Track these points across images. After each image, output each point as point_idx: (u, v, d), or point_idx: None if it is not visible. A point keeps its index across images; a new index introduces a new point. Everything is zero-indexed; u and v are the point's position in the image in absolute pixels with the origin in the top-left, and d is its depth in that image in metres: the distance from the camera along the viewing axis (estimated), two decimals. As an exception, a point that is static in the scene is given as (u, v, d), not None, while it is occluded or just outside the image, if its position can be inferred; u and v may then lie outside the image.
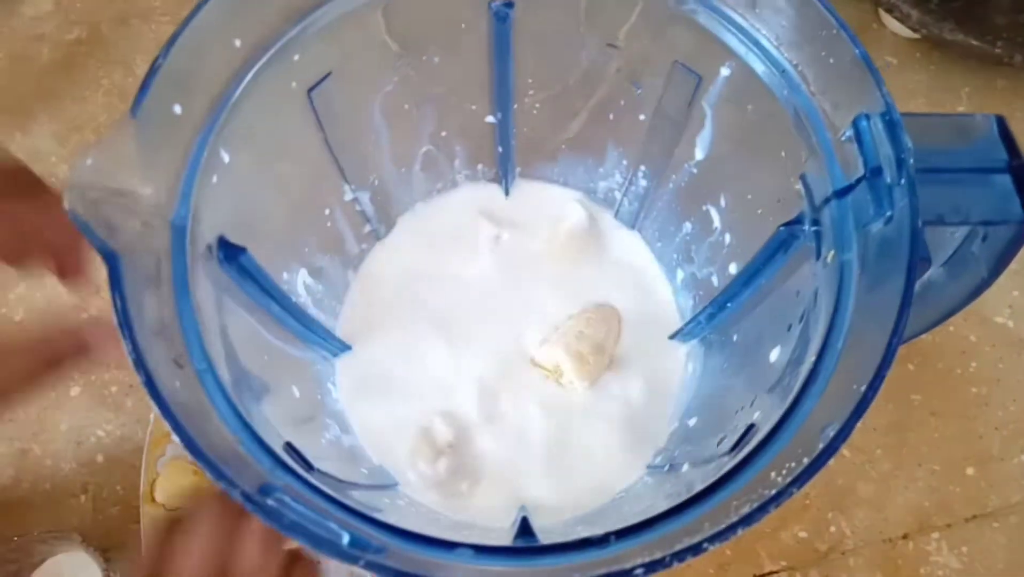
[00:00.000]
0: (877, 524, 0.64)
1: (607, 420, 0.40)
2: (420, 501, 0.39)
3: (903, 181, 0.25)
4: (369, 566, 0.22)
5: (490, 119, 0.40)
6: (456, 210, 0.45)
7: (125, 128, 0.27)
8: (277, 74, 0.31)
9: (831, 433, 0.23)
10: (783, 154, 0.31)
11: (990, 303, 0.61)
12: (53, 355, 0.30)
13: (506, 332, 0.42)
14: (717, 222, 0.38)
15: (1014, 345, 0.62)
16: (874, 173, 0.26)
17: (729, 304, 0.37)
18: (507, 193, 0.45)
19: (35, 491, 0.59)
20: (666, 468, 0.37)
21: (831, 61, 0.28)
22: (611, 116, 0.39)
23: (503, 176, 0.44)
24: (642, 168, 0.41)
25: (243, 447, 0.25)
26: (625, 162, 0.41)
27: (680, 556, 0.22)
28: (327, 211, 0.39)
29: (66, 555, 0.52)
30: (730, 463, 0.26)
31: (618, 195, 0.44)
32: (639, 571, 0.21)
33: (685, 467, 0.34)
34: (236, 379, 0.28)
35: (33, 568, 0.51)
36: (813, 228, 0.29)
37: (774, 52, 0.30)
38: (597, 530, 0.24)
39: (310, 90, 0.33)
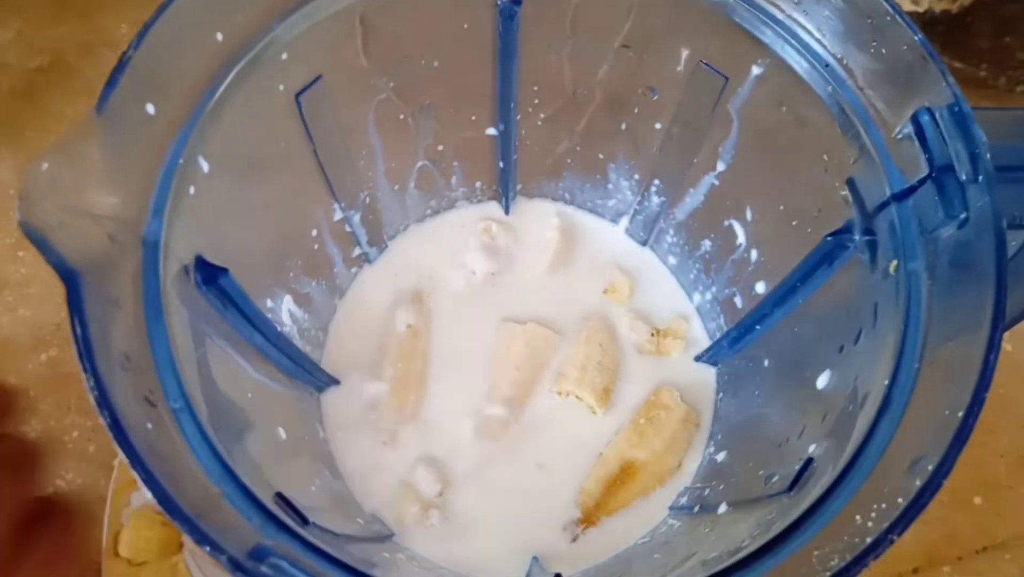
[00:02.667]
0: (887, 559, 0.60)
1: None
2: (420, 553, 0.35)
3: (980, 178, 0.22)
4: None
5: (491, 131, 0.37)
6: (453, 232, 0.41)
7: (89, 128, 0.23)
8: (263, 74, 0.27)
9: (929, 468, 0.20)
10: (825, 158, 0.29)
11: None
12: None
13: (506, 365, 0.38)
14: (741, 238, 0.35)
15: (1017, 370, 0.60)
16: (942, 172, 0.23)
17: (758, 326, 0.34)
18: (507, 212, 0.42)
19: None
20: (696, 509, 0.33)
21: (884, 52, 0.25)
22: (623, 126, 0.36)
23: (503, 194, 0.41)
24: (656, 183, 0.38)
25: (227, 500, 0.21)
26: (637, 176, 0.38)
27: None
28: (314, 232, 0.36)
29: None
30: (797, 505, 0.23)
31: (628, 213, 0.41)
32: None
33: (723, 508, 0.31)
34: (216, 419, 0.23)
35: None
36: (865, 237, 0.26)
37: (815, 45, 0.27)
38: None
39: (298, 94, 0.30)
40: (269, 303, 0.33)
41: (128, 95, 0.24)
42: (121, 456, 0.19)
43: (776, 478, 0.28)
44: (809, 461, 0.25)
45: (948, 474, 0.20)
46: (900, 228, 0.25)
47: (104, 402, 0.19)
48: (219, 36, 0.26)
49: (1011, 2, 0.48)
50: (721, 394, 0.37)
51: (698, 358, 0.38)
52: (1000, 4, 0.48)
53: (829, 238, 0.28)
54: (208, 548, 0.18)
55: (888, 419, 0.22)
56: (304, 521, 0.23)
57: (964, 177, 0.23)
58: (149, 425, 0.21)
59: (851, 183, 0.27)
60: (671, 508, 0.35)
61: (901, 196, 0.25)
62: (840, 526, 0.21)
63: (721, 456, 0.35)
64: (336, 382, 0.37)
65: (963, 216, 0.23)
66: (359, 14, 0.30)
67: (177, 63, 0.25)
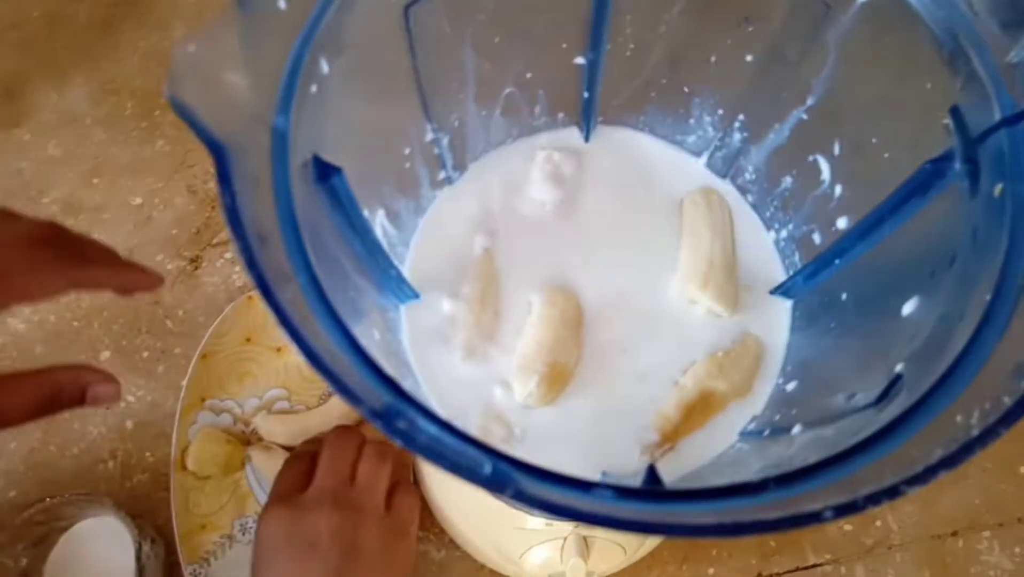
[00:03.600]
0: (925, 520, 0.62)
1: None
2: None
3: (1101, 100, 0.23)
4: (519, 496, 0.19)
5: (580, 60, 0.38)
6: (530, 159, 0.42)
7: (229, 17, 0.24)
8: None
9: (1039, 367, 0.20)
10: (928, 86, 0.29)
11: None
12: (54, 394, 0.30)
13: (588, 281, 0.39)
14: (826, 173, 0.35)
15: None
16: (1058, 95, 0.24)
17: (837, 260, 0.35)
18: (587, 139, 0.42)
19: (63, 455, 0.56)
20: (766, 433, 0.34)
21: (1002, -25, 0.25)
22: (713, 59, 0.37)
23: (584, 123, 0.41)
24: (740, 118, 0.38)
25: (356, 368, 0.22)
26: (721, 112, 0.39)
27: (875, 499, 0.19)
28: (407, 149, 0.37)
29: (95, 519, 0.49)
30: (890, 413, 0.24)
31: (708, 149, 0.41)
32: (828, 513, 0.19)
33: (796, 429, 0.31)
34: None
35: (61, 532, 0.48)
36: (967, 164, 0.27)
37: (928, -31, 0.27)
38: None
39: (408, 6, 0.31)
40: (366, 214, 0.34)
41: (264, -11, 0.25)
42: (273, 316, 0.20)
43: (859, 396, 0.28)
44: (898, 377, 0.26)
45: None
46: (1009, 152, 0.25)
47: (252, 264, 0.21)
48: (344, -58, 0.27)
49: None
50: (794, 328, 0.38)
51: (773, 291, 0.39)
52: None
53: (928, 166, 0.28)
54: (350, 399, 0.19)
55: (990, 332, 0.23)
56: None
57: (1082, 99, 0.23)
58: (288, 295, 0.22)
59: (955, 110, 0.28)
60: (741, 433, 0.36)
61: (1012, 120, 0.25)
62: (941, 426, 0.22)
63: (791, 386, 0.36)
64: (417, 296, 0.38)
65: (1079, 138, 0.23)
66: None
67: (306, -37, 0.26)
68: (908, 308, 0.29)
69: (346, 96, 0.30)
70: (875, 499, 0.19)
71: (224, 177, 0.21)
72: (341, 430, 0.47)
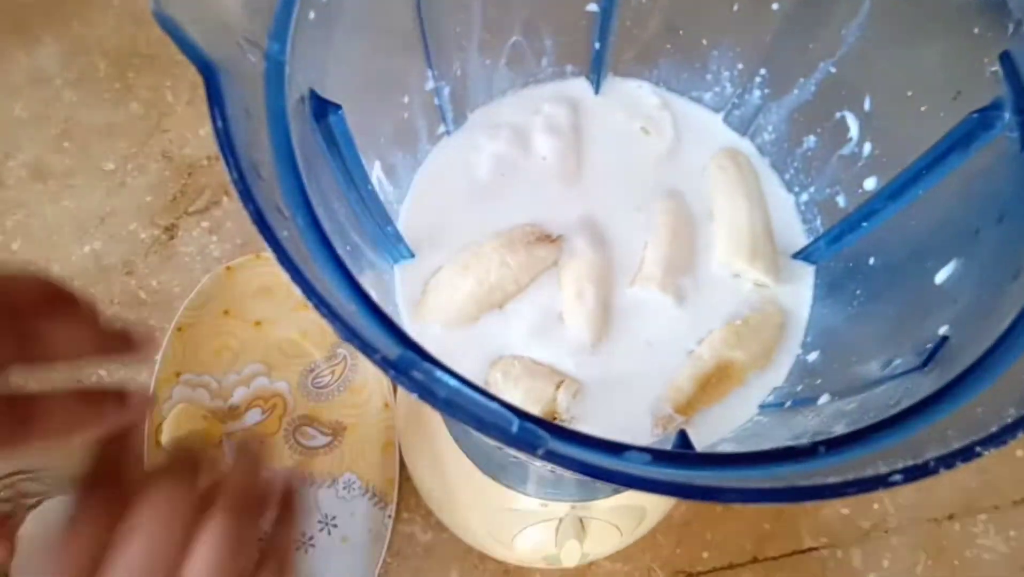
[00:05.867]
0: (922, 503, 0.61)
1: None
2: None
3: None
4: (549, 456, 0.17)
5: (591, 7, 0.35)
6: (538, 106, 0.39)
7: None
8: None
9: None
10: (975, 31, 0.27)
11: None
12: (94, 418, 0.25)
13: (594, 247, 0.37)
14: (854, 131, 0.33)
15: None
16: None
17: (865, 223, 0.33)
18: (597, 91, 0.40)
19: (28, 427, 0.52)
20: (787, 405, 0.32)
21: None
22: (735, 7, 0.34)
23: (595, 76, 0.39)
24: (761, 72, 0.36)
25: (362, 317, 0.20)
26: (741, 66, 0.37)
27: (948, 461, 0.17)
28: (406, 98, 0.34)
29: (64, 497, 0.46)
30: (942, 375, 0.22)
31: (725, 108, 0.39)
32: (897, 477, 0.17)
33: (823, 399, 0.30)
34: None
35: (29, 509, 0.45)
36: (1019, 114, 0.25)
37: (982, -97, 0.25)
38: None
39: (413, -65, 0.28)
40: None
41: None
42: (269, 251, 0.18)
43: (898, 361, 0.26)
44: (944, 339, 0.24)
45: None
46: (1067, 99, 0.23)
47: (247, 194, 0.18)
48: None
49: None
50: (817, 295, 0.36)
51: (795, 256, 0.37)
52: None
53: (975, 115, 0.26)
54: (358, 344, 0.17)
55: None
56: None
57: None
58: (285, 233, 0.19)
59: (1006, 56, 0.26)
60: (761, 406, 0.34)
61: (1073, 64, 0.23)
62: (1008, 384, 0.20)
63: (814, 355, 0.34)
64: (412, 255, 0.36)
65: None
66: None
67: None
68: (947, 270, 0.28)
69: (345, 33, 0.28)
70: (948, 461, 0.17)
71: (215, 98, 0.19)
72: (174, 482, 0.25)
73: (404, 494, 0.55)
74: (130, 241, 0.62)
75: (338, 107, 0.25)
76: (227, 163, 0.18)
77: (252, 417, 0.56)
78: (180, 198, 0.63)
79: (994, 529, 0.62)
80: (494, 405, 0.17)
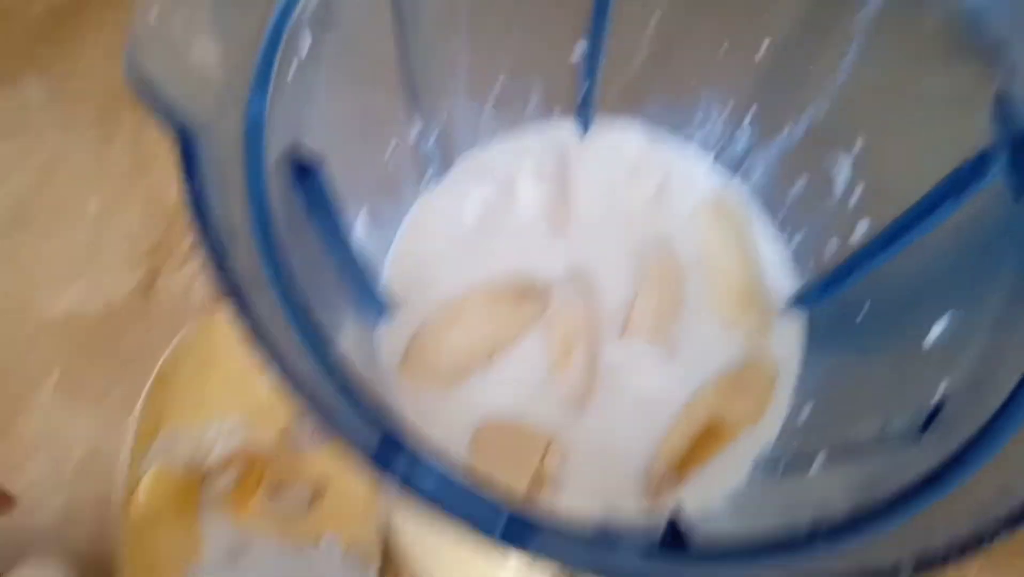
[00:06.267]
0: None
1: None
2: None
3: None
4: (537, 553, 0.16)
5: (579, 47, 0.35)
6: (525, 151, 0.39)
7: (197, -19, 0.21)
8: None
9: None
10: (967, 76, 0.26)
11: None
12: None
13: (582, 299, 0.36)
14: (845, 173, 0.33)
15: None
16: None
17: (857, 270, 0.32)
18: (586, 130, 0.39)
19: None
20: (782, 465, 0.31)
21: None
22: (725, 45, 0.34)
23: (582, 116, 0.38)
24: (751, 111, 0.35)
25: (339, 396, 0.19)
26: (732, 104, 0.36)
27: (963, 549, 0.16)
28: (392, 145, 0.33)
29: (32, 568, 0.44)
30: (943, 443, 0.21)
31: (714, 148, 0.38)
32: (905, 569, 0.16)
33: (819, 460, 0.29)
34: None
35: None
36: (1013, 161, 0.25)
37: (974, -54, 0.25)
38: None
39: (397, -19, 0.28)
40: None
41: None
42: (242, 327, 0.17)
43: (897, 422, 0.26)
44: (942, 402, 0.24)
45: None
46: (1064, 146, 0.23)
47: (222, 268, 0.17)
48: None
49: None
50: (809, 346, 0.35)
51: (786, 303, 0.36)
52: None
53: (967, 162, 0.26)
54: (337, 434, 0.16)
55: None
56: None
57: None
58: (259, 307, 0.19)
59: (1000, 101, 0.25)
60: (755, 466, 0.33)
61: (1069, 111, 0.23)
62: (1014, 458, 0.19)
63: (807, 410, 0.33)
64: (397, 311, 0.35)
65: None
66: None
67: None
68: (942, 323, 0.27)
69: (328, 84, 0.27)
70: (963, 548, 0.16)
71: (189, 163, 0.18)
72: None
73: (388, 555, 0.53)
74: (112, 287, 0.60)
75: (319, 168, 0.25)
76: (199, 234, 0.17)
77: (231, 473, 0.54)
78: (164, 242, 0.62)
79: None
80: (482, 500, 0.16)
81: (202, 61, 0.20)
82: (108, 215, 0.63)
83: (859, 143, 0.32)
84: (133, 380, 0.55)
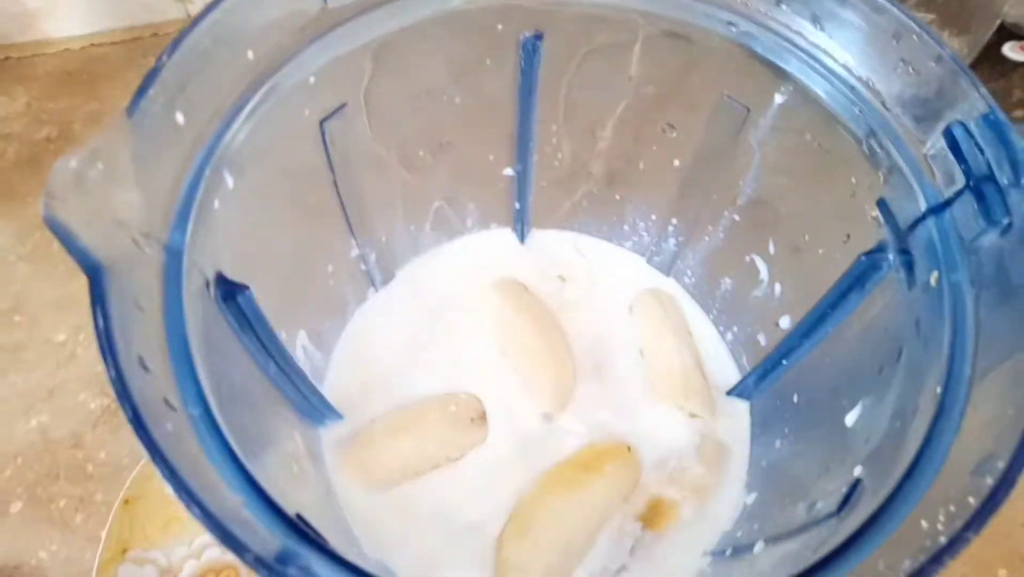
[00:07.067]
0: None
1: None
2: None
3: (1023, 181, 0.22)
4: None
5: (508, 172, 0.37)
6: (465, 263, 0.40)
7: (119, 131, 0.23)
8: (291, 96, 0.27)
9: (1000, 465, 0.18)
10: (853, 181, 0.28)
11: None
12: None
13: (528, 403, 0.37)
14: (764, 273, 0.35)
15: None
16: (981, 181, 0.23)
17: (784, 361, 0.33)
18: (522, 241, 0.41)
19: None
20: (728, 553, 0.32)
21: (911, 70, 0.26)
22: (641, 165, 0.36)
23: (518, 229, 0.40)
24: (673, 221, 0.37)
25: (248, 509, 0.19)
26: (654, 216, 0.38)
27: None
28: (330, 268, 0.35)
29: None
30: (850, 523, 0.21)
31: (645, 255, 0.40)
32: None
33: (758, 546, 0.29)
34: (234, 431, 0.22)
35: None
36: (901, 255, 0.26)
37: (840, 70, 0.27)
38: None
39: (323, 120, 0.30)
40: (284, 336, 0.32)
41: (158, 102, 0.23)
42: (144, 454, 0.18)
43: (820, 505, 0.26)
44: (857, 482, 0.24)
45: (1021, 470, 0.18)
46: (939, 241, 0.24)
47: (124, 395, 0.18)
48: (250, 55, 0.26)
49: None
50: (754, 433, 0.36)
51: (729, 392, 0.37)
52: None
53: (863, 258, 0.28)
54: (232, 546, 0.17)
55: (945, 427, 0.21)
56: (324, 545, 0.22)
57: (1005, 182, 0.23)
58: (169, 427, 0.19)
59: (882, 203, 0.27)
60: (706, 554, 0.33)
61: (938, 209, 0.25)
62: (906, 533, 0.19)
63: (752, 497, 0.33)
64: (340, 417, 0.36)
65: (1006, 221, 0.22)
66: (383, 45, 0.30)
67: (208, 76, 0.25)
68: (858, 408, 0.28)
69: (256, 210, 0.29)
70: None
71: (98, 299, 0.19)
72: None
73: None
74: (78, 412, 0.60)
75: (245, 288, 0.26)
76: (105, 362, 0.18)
77: (202, 594, 0.53)
78: (130, 366, 0.63)
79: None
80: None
81: (121, 204, 0.22)
82: (76, 342, 0.63)
83: (771, 246, 0.34)
84: (100, 504, 0.55)
